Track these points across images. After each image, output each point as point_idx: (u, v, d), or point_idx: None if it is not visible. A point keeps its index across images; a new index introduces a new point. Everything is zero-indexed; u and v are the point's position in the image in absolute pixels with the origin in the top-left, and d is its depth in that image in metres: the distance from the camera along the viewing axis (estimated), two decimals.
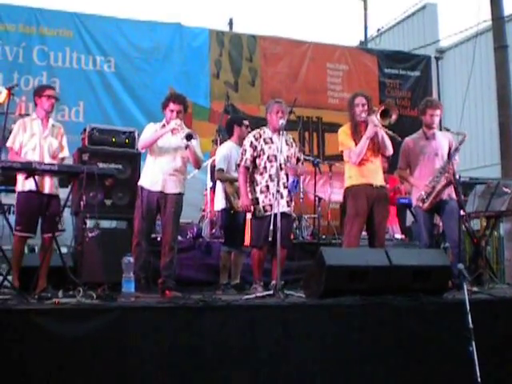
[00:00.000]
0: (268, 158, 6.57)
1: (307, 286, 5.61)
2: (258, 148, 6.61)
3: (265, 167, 6.58)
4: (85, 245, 7.03)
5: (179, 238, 8.13)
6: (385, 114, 6.39)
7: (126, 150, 7.65)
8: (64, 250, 6.90)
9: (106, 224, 7.97)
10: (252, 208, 6.60)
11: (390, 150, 6.54)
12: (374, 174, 6.52)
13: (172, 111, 6.47)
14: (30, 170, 5.81)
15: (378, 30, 18.41)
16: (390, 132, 6.44)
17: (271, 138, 6.63)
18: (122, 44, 10.85)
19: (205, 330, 4.69)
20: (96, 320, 4.50)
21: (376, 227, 6.44)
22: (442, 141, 6.93)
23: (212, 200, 8.34)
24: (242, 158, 6.68)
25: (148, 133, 6.54)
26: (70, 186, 6.57)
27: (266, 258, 6.60)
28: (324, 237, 9.34)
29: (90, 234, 7.11)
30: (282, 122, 6.39)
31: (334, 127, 12.05)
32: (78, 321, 4.48)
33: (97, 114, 10.36)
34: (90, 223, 7.24)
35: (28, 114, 7.16)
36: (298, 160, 6.78)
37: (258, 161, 6.62)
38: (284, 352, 4.82)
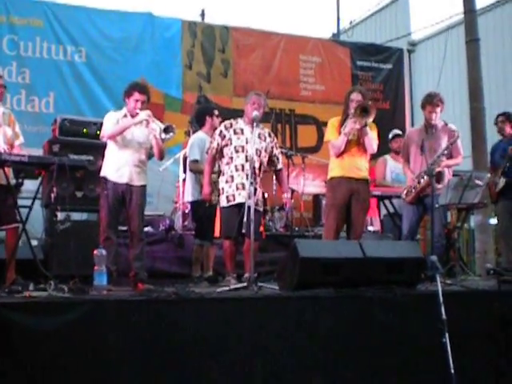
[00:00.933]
0: (235, 148, 6.46)
1: (281, 278, 5.59)
2: (227, 137, 6.50)
3: (231, 157, 6.47)
4: (55, 237, 6.96)
5: (151, 230, 8.11)
6: (365, 111, 6.38)
7: (97, 142, 7.47)
8: (34, 242, 6.81)
9: (76, 216, 7.90)
10: (213, 198, 6.75)
11: (372, 149, 6.54)
12: (356, 167, 6.52)
13: (137, 101, 6.29)
14: None
15: (351, 22, 18.40)
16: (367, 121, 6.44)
17: (242, 129, 6.52)
18: (93, 34, 10.75)
19: (178, 323, 4.64)
20: (68, 314, 4.41)
21: (353, 220, 6.47)
22: (441, 135, 6.95)
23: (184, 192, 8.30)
24: (210, 147, 6.64)
25: (110, 122, 6.35)
26: (39, 178, 6.49)
27: (237, 250, 6.56)
28: (297, 229, 9.35)
29: (60, 227, 7.03)
30: (256, 113, 6.31)
31: (306, 119, 12.16)
32: (49, 315, 4.39)
33: (67, 104, 10.27)
34: (60, 215, 7.16)
35: None
36: (271, 156, 6.64)
37: (225, 150, 6.54)
38: (258, 344, 4.79)
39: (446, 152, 6.83)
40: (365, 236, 7.94)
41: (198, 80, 11.31)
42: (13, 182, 6.15)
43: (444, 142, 6.92)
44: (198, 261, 7.44)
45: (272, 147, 6.64)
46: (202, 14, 17.92)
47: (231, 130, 6.53)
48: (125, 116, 6.36)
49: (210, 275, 7.27)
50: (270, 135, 6.68)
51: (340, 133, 6.49)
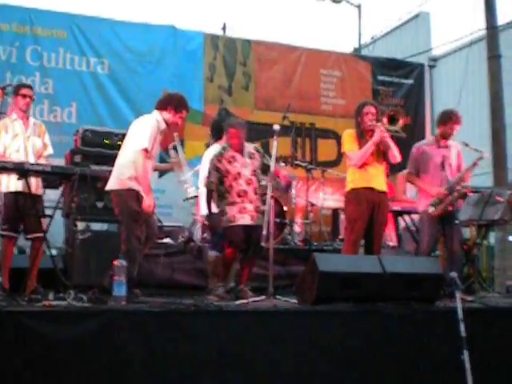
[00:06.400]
0: (234, 176, 6.49)
1: (299, 292, 5.58)
2: (222, 169, 6.50)
3: (230, 185, 6.48)
4: (75, 247, 6.99)
5: (171, 241, 8.12)
6: (392, 120, 6.41)
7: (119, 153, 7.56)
8: (54, 251, 6.86)
9: (96, 226, 7.93)
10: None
11: (397, 157, 6.47)
12: (376, 178, 6.44)
13: (182, 118, 6.14)
14: (22, 170, 5.76)
15: (372, 37, 18.45)
16: (396, 128, 6.45)
17: (234, 157, 6.54)
18: (116, 46, 10.79)
19: (196, 335, 4.66)
20: (87, 323, 4.45)
21: (374, 233, 6.34)
22: (453, 151, 6.92)
23: None
24: (208, 181, 6.55)
25: (153, 134, 5.92)
26: (61, 188, 6.54)
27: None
28: (316, 243, 9.32)
29: (80, 236, 7.06)
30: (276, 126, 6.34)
31: (326, 133, 12.15)
32: (68, 323, 4.43)
33: (89, 115, 10.32)
34: (80, 225, 7.19)
35: None
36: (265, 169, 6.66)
37: (225, 180, 6.52)
38: (276, 358, 4.79)
39: (472, 169, 6.80)
40: (383, 251, 7.91)
41: (220, 93, 11.34)
42: (41, 191, 6.22)
43: (455, 158, 6.89)
44: (215, 273, 7.41)
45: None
46: (224, 28, 18.01)
47: (224, 161, 6.53)
48: (164, 128, 6.08)
49: (231, 287, 7.23)
50: (257, 150, 6.73)
51: (359, 144, 6.48)
